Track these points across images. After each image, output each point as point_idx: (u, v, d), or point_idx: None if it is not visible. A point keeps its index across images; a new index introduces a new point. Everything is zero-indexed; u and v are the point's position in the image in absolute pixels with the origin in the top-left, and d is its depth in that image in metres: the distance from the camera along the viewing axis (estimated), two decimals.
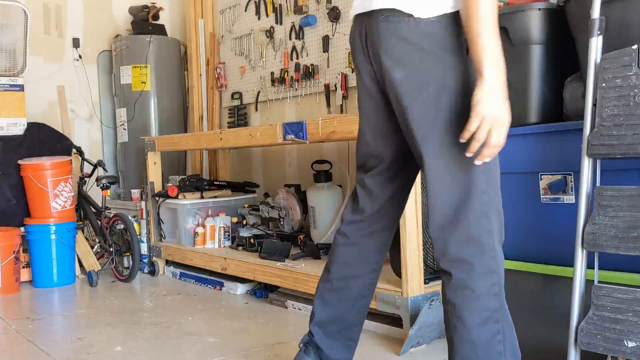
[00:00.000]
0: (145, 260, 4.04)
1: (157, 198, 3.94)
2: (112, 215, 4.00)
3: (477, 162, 1.45)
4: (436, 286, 2.48)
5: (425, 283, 2.44)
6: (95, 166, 4.15)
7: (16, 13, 4.08)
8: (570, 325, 1.73)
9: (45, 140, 4.19)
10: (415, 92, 1.51)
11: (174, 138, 3.81)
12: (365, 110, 1.73)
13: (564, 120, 2.10)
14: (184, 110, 4.87)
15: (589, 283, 1.73)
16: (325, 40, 3.70)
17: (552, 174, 2.05)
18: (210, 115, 4.66)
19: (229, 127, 4.51)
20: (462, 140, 1.44)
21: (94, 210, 4.09)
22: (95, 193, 4.18)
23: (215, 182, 4.04)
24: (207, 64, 4.71)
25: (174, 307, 3.17)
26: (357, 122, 2.53)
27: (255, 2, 4.25)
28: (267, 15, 4.17)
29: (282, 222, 3.67)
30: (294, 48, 3.96)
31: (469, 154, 1.44)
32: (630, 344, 1.60)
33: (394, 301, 2.40)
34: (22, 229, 3.84)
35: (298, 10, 3.82)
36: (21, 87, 4.12)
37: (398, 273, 2.43)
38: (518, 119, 2.14)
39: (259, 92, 4.27)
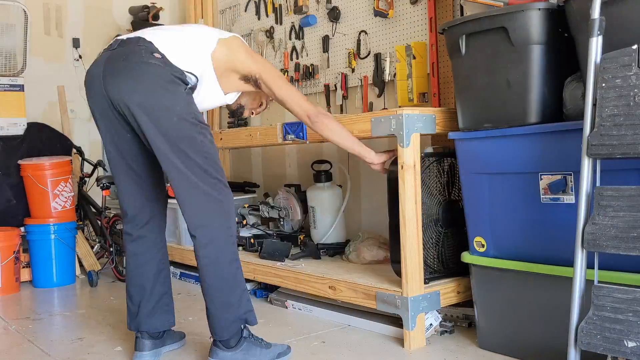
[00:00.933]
0: None
1: None
2: (112, 215, 4.00)
3: None
4: (436, 286, 2.48)
5: (425, 283, 2.44)
6: (95, 166, 4.15)
7: (16, 13, 4.08)
8: (570, 325, 1.73)
9: (45, 140, 4.19)
10: None
11: None
12: None
13: (564, 120, 2.10)
14: None
15: (589, 283, 1.73)
16: (325, 40, 3.70)
17: (552, 174, 2.05)
18: (210, 115, 4.66)
19: (229, 127, 4.51)
20: None
21: (94, 210, 4.09)
22: (95, 193, 4.18)
23: None
24: None
25: (174, 307, 3.16)
26: (357, 122, 2.54)
27: (255, 2, 4.25)
28: (267, 15, 4.17)
29: (282, 222, 3.67)
30: (294, 48, 3.96)
31: None
32: (630, 344, 1.60)
33: (394, 301, 2.40)
34: (22, 229, 3.84)
35: (298, 10, 3.82)
36: (21, 87, 4.12)
37: (398, 272, 2.44)
38: (518, 119, 2.15)
39: None
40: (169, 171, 2.09)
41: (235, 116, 2.93)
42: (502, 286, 2.24)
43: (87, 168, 4.23)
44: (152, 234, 2.33)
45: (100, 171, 4.16)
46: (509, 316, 2.23)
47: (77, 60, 4.79)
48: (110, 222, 3.95)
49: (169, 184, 2.19)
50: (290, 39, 3.99)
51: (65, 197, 3.91)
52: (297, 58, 3.94)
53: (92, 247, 4.08)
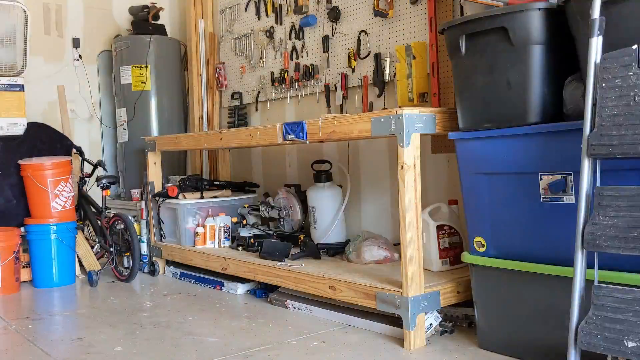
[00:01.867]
0: (145, 260, 4.05)
1: (157, 198, 3.94)
2: (112, 215, 4.00)
3: None
4: (436, 286, 2.48)
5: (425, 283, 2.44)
6: (95, 166, 4.15)
7: (16, 13, 4.08)
8: (570, 325, 1.73)
9: (45, 140, 4.20)
10: None
11: (174, 138, 3.81)
12: None
13: (564, 120, 2.10)
14: (184, 110, 4.87)
15: (589, 283, 1.73)
16: (325, 40, 3.70)
17: (552, 174, 2.05)
18: (210, 115, 4.66)
19: (229, 127, 4.51)
20: None
21: (94, 210, 4.09)
22: (95, 193, 4.18)
23: (215, 182, 4.05)
24: (207, 64, 4.71)
25: (174, 307, 3.17)
26: (357, 122, 2.54)
27: (255, 2, 4.25)
28: (267, 15, 4.17)
29: (282, 222, 3.67)
30: (294, 48, 3.96)
31: None
32: (630, 344, 1.60)
33: (394, 301, 2.40)
34: (22, 229, 3.84)
35: (298, 10, 3.82)
36: (21, 87, 4.12)
37: None
38: (518, 119, 2.15)
39: (259, 92, 4.27)
40: None
41: None
42: (502, 286, 2.24)
43: (87, 168, 4.23)
44: None
45: (100, 171, 4.16)
46: (509, 316, 2.23)
47: (77, 60, 4.79)
48: (110, 222, 3.95)
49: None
50: (290, 39, 3.99)
51: (65, 197, 3.91)
52: (297, 58, 3.94)
53: (92, 247, 4.08)
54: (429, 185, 3.15)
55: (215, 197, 3.88)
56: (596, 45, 1.76)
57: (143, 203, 4.10)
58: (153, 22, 4.76)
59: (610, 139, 1.69)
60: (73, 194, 3.99)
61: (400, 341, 2.42)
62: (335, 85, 3.66)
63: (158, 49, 4.61)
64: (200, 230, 3.70)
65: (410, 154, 2.36)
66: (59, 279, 3.81)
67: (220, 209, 3.82)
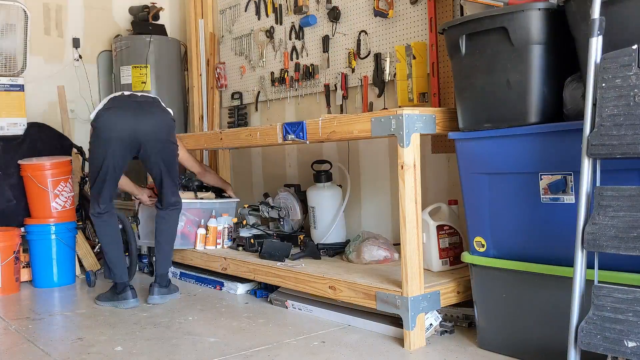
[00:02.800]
0: (145, 261, 4.04)
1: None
2: None
3: None
4: (436, 286, 2.48)
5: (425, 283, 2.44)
6: None
7: (16, 13, 4.08)
8: (570, 325, 1.73)
9: (45, 140, 4.19)
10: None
11: None
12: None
13: (564, 120, 2.10)
14: (184, 110, 4.87)
15: (589, 283, 1.73)
16: (325, 40, 3.70)
17: (552, 174, 2.05)
18: (210, 115, 4.66)
19: (229, 127, 4.51)
20: None
21: None
22: None
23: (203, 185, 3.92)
24: (207, 64, 4.71)
25: (174, 307, 3.17)
26: (357, 122, 2.54)
27: (255, 2, 4.25)
28: (267, 15, 4.17)
29: (282, 222, 3.67)
30: (294, 48, 3.96)
31: None
32: (630, 344, 1.60)
33: (394, 301, 2.40)
34: (22, 229, 3.84)
35: (298, 10, 3.82)
36: (21, 87, 4.12)
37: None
38: (518, 119, 2.15)
39: (259, 92, 4.27)
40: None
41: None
42: (502, 286, 2.24)
43: (87, 168, 4.22)
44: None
45: None
46: (509, 316, 2.23)
47: (77, 60, 4.79)
48: None
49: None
50: (290, 39, 3.99)
51: (66, 197, 3.91)
52: (297, 58, 3.94)
53: (92, 247, 4.07)
54: (429, 185, 3.15)
55: (202, 198, 3.78)
56: (596, 45, 1.76)
57: None
58: (153, 22, 4.76)
59: (610, 139, 1.69)
60: (73, 194, 3.99)
61: (400, 341, 2.42)
62: (335, 85, 3.66)
63: (158, 49, 4.61)
64: (202, 231, 3.67)
65: (410, 154, 2.36)
66: (58, 279, 3.81)
67: (208, 212, 3.75)
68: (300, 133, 2.82)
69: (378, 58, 3.36)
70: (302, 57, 3.91)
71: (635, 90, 1.67)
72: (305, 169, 3.92)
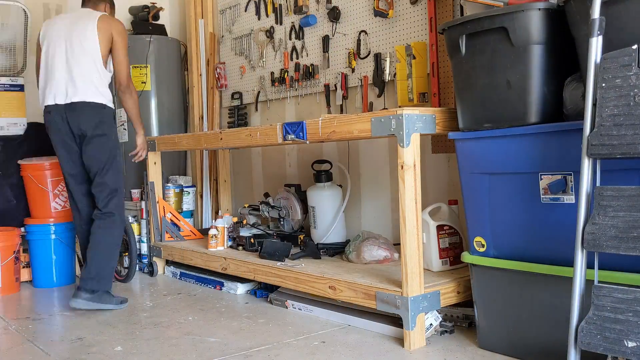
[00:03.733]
0: (145, 261, 4.05)
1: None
2: None
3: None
4: (436, 286, 2.48)
5: (425, 283, 2.44)
6: None
7: (16, 13, 4.08)
8: (570, 325, 1.73)
9: (45, 140, 4.18)
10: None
11: (174, 138, 3.81)
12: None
13: (564, 120, 2.10)
14: (184, 110, 4.87)
15: (589, 283, 1.73)
16: (325, 40, 3.70)
17: (552, 174, 2.05)
18: (210, 115, 4.66)
19: (229, 127, 4.51)
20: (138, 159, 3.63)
21: None
22: None
23: None
24: (207, 64, 4.71)
25: (174, 307, 3.17)
26: (357, 122, 2.54)
27: (255, 2, 4.25)
28: (267, 15, 4.17)
29: (282, 222, 3.67)
30: (294, 48, 3.96)
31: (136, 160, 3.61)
32: (630, 344, 1.60)
33: (394, 301, 2.40)
34: (22, 229, 3.84)
35: (298, 10, 3.82)
36: (21, 87, 4.12)
37: None
38: (518, 119, 2.15)
39: (259, 92, 4.27)
40: None
41: None
42: (502, 286, 2.24)
43: None
44: None
45: None
46: (509, 316, 2.23)
47: None
48: None
49: None
50: (290, 39, 3.99)
51: (66, 197, 3.90)
52: (297, 58, 3.94)
53: None
54: (429, 185, 3.15)
55: None
56: (596, 45, 1.76)
57: (143, 203, 4.10)
58: (153, 22, 4.76)
59: (610, 139, 1.69)
60: None
61: (400, 341, 2.42)
62: (335, 85, 3.66)
63: (158, 49, 4.61)
64: (213, 232, 3.65)
65: (410, 154, 2.36)
66: (58, 279, 3.81)
67: None
68: (300, 133, 2.82)
69: (378, 58, 3.36)
70: (302, 57, 3.91)
71: (635, 90, 1.67)
72: (305, 169, 3.92)
